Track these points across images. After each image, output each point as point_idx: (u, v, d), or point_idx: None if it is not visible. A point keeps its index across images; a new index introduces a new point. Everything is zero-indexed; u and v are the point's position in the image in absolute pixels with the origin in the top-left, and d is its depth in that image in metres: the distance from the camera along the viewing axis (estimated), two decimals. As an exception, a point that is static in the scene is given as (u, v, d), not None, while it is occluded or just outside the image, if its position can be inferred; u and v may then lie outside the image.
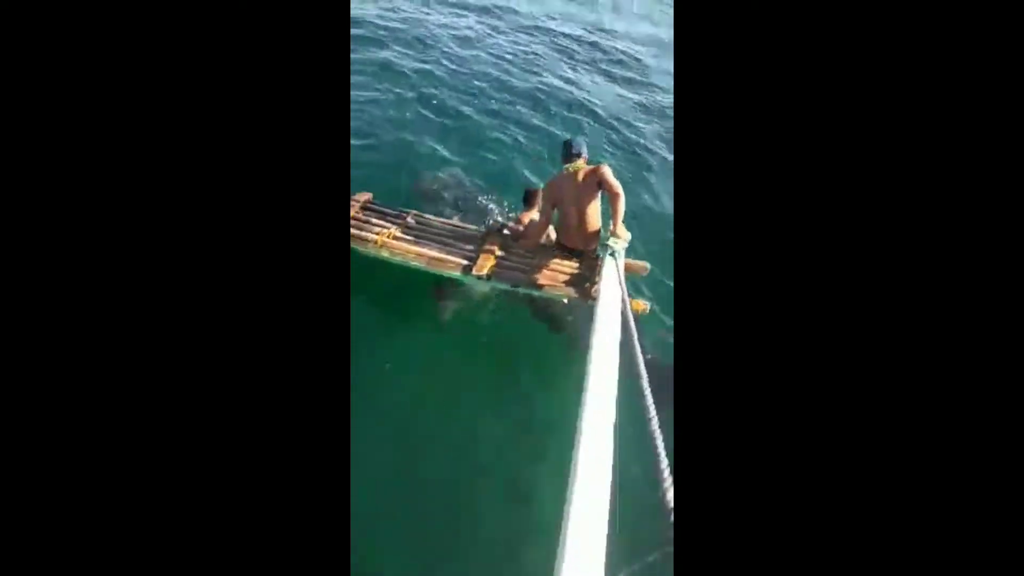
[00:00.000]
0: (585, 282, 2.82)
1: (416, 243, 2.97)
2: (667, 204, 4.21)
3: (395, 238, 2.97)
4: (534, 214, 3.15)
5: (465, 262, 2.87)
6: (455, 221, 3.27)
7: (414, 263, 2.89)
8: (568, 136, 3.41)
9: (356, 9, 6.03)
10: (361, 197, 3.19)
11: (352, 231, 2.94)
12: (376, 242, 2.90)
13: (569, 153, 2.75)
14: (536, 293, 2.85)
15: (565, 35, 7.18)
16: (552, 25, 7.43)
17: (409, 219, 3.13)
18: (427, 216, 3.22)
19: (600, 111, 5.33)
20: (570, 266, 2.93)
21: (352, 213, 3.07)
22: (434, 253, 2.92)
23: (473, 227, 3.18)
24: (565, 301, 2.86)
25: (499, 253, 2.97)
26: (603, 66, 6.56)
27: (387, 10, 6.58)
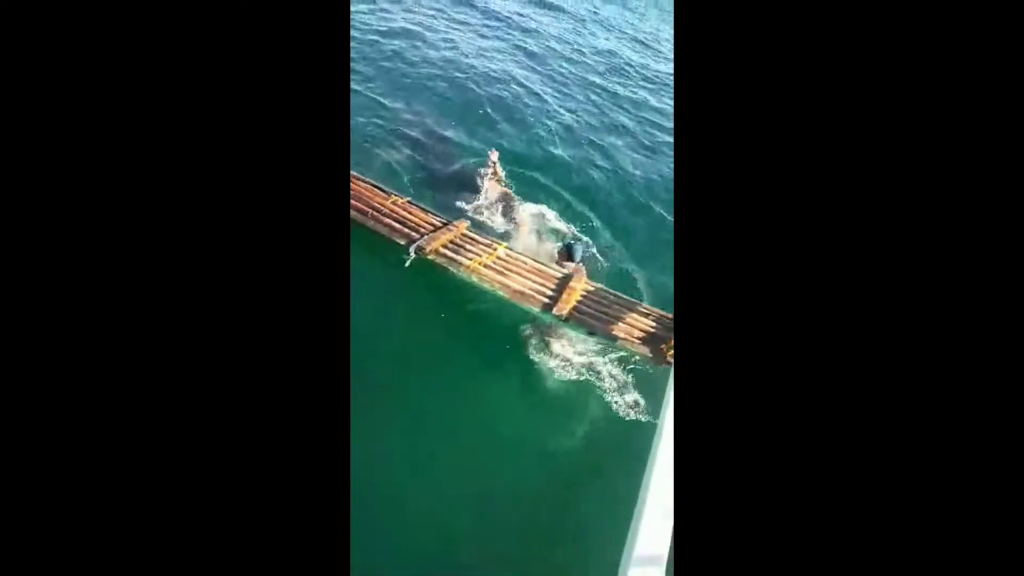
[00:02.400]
0: (661, 343, 2.83)
1: (503, 274, 3.17)
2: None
3: (485, 266, 3.20)
4: (573, 266, 3.44)
5: (546, 300, 3.01)
6: (545, 261, 3.45)
7: (499, 292, 3.08)
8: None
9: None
10: (461, 225, 3.48)
11: (449, 254, 3.21)
12: (468, 267, 3.14)
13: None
14: (611, 344, 2.90)
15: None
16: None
17: (500, 251, 3.35)
18: (517, 251, 3.43)
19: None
20: (648, 324, 2.96)
21: (451, 238, 3.35)
22: (518, 287, 3.10)
23: (559, 269, 3.33)
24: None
25: (579, 297, 3.08)
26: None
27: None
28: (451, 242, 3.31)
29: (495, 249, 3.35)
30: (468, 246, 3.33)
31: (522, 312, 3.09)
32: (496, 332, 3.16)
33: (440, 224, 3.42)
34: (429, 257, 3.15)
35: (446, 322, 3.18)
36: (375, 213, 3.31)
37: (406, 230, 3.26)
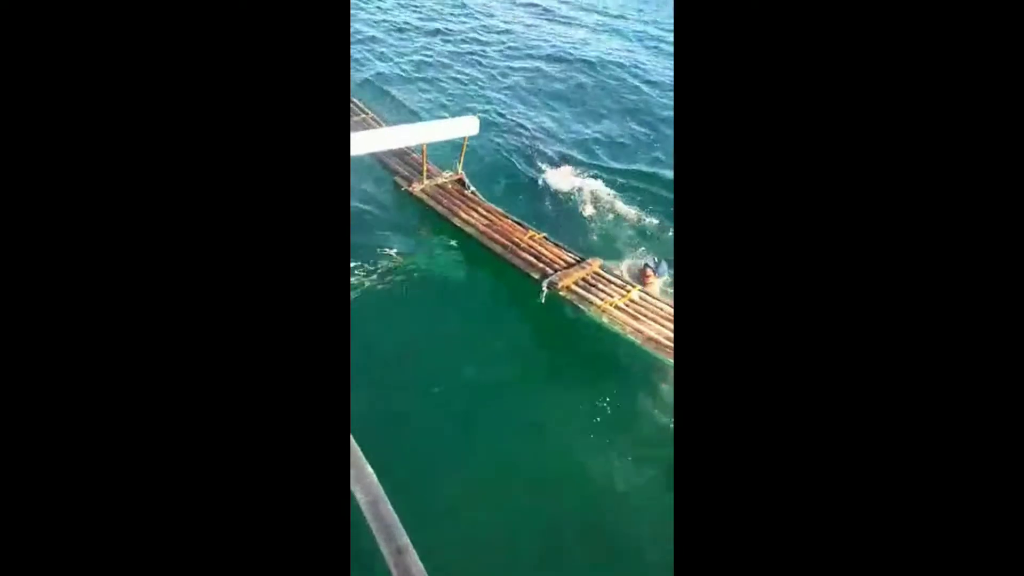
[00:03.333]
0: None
1: (637, 319, 3.02)
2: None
3: (617, 308, 3.09)
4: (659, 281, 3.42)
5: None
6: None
7: (629, 336, 2.93)
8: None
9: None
10: (594, 264, 3.45)
11: (580, 292, 3.18)
12: (599, 307, 3.06)
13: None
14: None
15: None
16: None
17: (634, 294, 3.21)
18: (651, 295, 3.26)
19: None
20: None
21: (583, 275, 3.33)
22: (652, 333, 2.91)
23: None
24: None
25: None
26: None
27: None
28: (583, 279, 3.29)
29: (628, 291, 3.23)
30: (600, 285, 3.27)
31: (652, 359, 2.88)
32: (618, 376, 2.99)
33: (573, 261, 3.43)
34: (561, 293, 3.17)
35: (565, 359, 3.12)
36: (514, 247, 3.46)
37: (541, 265, 3.34)
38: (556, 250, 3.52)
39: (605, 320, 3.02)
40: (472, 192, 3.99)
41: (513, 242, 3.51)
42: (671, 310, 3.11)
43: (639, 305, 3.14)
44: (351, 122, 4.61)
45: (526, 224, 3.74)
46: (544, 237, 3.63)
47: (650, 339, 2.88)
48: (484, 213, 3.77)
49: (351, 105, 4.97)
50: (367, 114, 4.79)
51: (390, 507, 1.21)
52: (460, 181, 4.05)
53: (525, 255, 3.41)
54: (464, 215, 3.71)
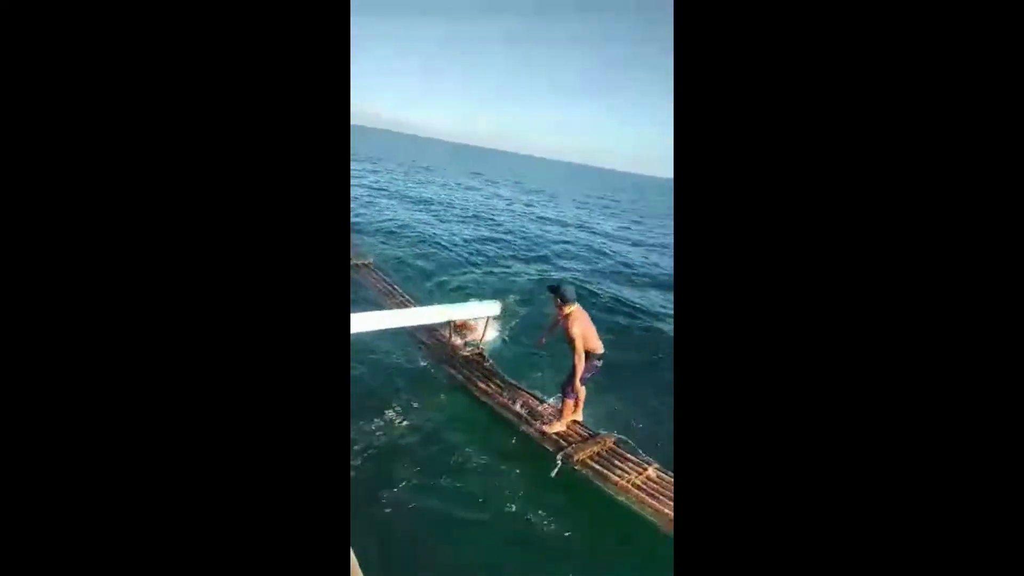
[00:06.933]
0: None
1: (656, 498, 2.89)
2: None
3: (635, 486, 2.98)
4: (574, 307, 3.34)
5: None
6: None
7: (650, 517, 2.76)
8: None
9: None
10: (608, 440, 3.45)
11: (596, 467, 3.13)
12: (617, 484, 2.97)
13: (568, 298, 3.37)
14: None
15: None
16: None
17: (651, 471, 3.13)
18: (670, 473, 3.16)
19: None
20: None
21: (597, 450, 3.31)
22: (672, 515, 2.74)
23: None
24: None
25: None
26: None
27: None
28: (598, 455, 3.26)
29: (645, 468, 3.16)
30: (616, 461, 3.22)
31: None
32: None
33: (587, 435, 3.46)
34: (576, 467, 3.11)
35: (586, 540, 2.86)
36: (527, 417, 3.55)
37: (555, 437, 3.37)
38: (572, 425, 3.58)
39: (622, 498, 2.89)
40: (490, 364, 4.28)
41: (528, 413, 3.61)
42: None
43: (657, 484, 3.03)
44: (391, 302, 5.28)
45: (541, 396, 3.90)
46: (557, 410, 3.74)
47: (672, 522, 2.71)
48: (499, 384, 3.98)
49: (392, 288, 5.76)
50: (404, 297, 5.51)
51: None
52: (481, 354, 4.40)
53: (540, 426, 3.47)
54: (483, 385, 3.92)
